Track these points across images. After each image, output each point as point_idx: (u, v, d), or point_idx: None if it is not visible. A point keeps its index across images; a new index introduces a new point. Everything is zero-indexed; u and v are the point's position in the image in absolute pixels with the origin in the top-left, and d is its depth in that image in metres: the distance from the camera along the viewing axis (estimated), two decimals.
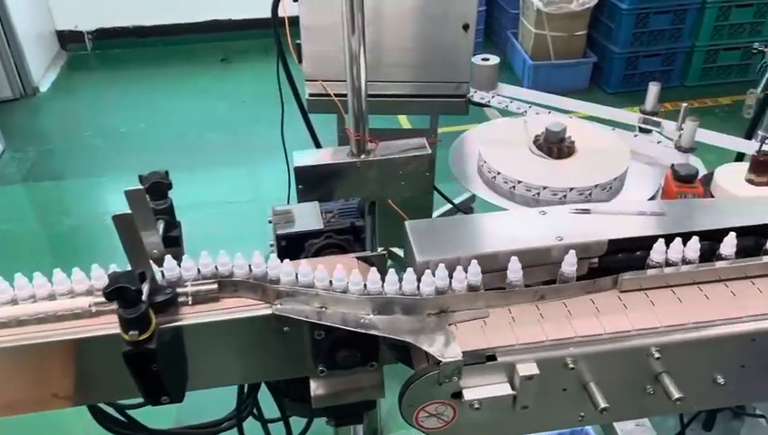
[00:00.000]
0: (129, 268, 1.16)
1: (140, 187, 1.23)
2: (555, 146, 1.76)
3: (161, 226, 1.36)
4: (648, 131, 1.88)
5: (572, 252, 1.24)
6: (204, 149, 5.02)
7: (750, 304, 1.23)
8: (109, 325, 1.18)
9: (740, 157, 2.30)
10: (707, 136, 1.72)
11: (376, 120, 3.32)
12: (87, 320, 1.21)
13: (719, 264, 1.28)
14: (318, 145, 2.97)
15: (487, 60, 2.25)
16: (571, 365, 1.17)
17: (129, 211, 1.13)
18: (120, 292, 1.05)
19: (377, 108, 2.76)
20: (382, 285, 1.21)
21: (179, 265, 1.24)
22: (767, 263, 1.28)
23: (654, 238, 1.30)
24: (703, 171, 1.73)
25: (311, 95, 2.79)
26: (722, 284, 1.27)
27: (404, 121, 4.86)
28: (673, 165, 1.56)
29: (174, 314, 1.22)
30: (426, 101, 2.68)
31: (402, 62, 2.67)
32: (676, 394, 1.18)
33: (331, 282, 1.22)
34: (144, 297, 1.11)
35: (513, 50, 5.95)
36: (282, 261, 1.37)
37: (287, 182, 1.97)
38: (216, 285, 1.24)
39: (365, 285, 1.21)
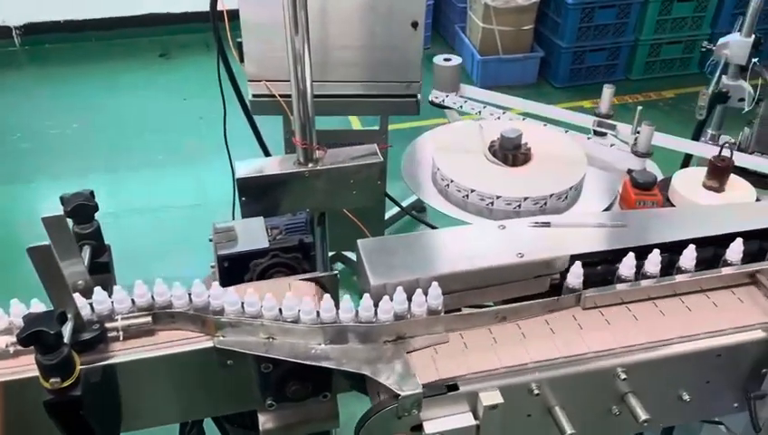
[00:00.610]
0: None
1: (60, 213, 1.10)
2: (511, 153, 1.70)
3: (87, 252, 1.24)
4: (603, 134, 1.84)
5: (578, 263, 1.18)
6: (143, 150, 4.79)
7: (722, 316, 1.20)
8: (30, 367, 1.05)
9: (688, 157, 2.30)
10: (664, 140, 1.69)
11: (325, 121, 3.22)
12: (6, 362, 1.09)
13: (679, 277, 1.24)
14: (264, 148, 2.85)
15: (449, 60, 2.17)
16: (536, 391, 1.11)
17: (47, 242, 1.00)
18: (36, 336, 0.93)
19: (325, 109, 2.66)
20: (337, 313, 1.12)
21: (110, 297, 1.12)
22: (726, 275, 1.25)
23: (616, 252, 1.25)
24: (659, 176, 1.71)
25: (254, 96, 2.67)
26: (678, 298, 1.24)
27: (355, 122, 4.75)
28: (631, 172, 1.52)
29: (103, 352, 1.10)
30: (375, 101, 2.59)
31: (351, 61, 2.58)
32: (642, 416, 1.13)
33: (280, 310, 1.12)
34: (66, 339, 0.99)
35: (461, 44, 5.91)
36: (225, 284, 1.27)
37: (233, 187, 1.86)
38: (149, 318, 1.13)
39: (318, 313, 1.12)
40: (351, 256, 3.26)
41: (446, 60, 2.12)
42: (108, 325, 1.11)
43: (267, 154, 2.83)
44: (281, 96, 2.51)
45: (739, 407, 1.27)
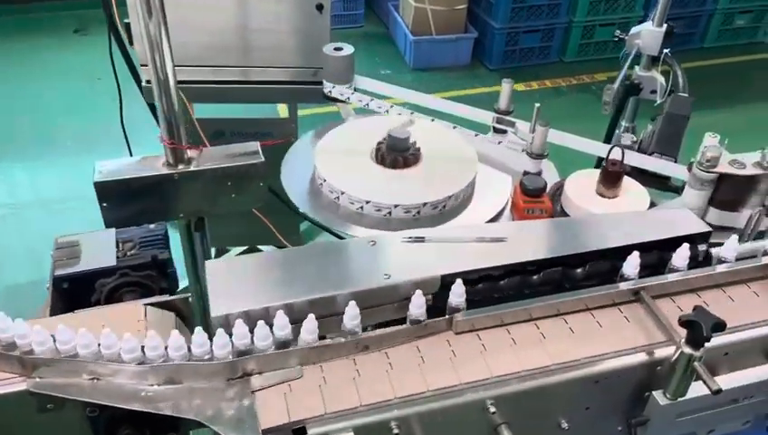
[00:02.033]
0: None
1: None
2: (399, 155, 1.56)
3: None
4: (504, 132, 1.73)
5: (419, 292, 1.06)
6: (57, 135, 4.47)
7: (605, 339, 1.11)
8: None
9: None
10: (561, 139, 1.58)
11: (253, 109, 3.02)
12: None
13: (553, 300, 1.14)
14: None
15: (340, 49, 2.00)
16: (396, 430, 1.00)
17: None
18: None
19: (226, 96, 2.48)
20: (166, 349, 0.98)
21: None
22: (610, 293, 1.17)
23: (492, 270, 1.15)
24: (555, 178, 1.61)
25: (148, 82, 2.45)
26: (561, 319, 1.14)
27: (283, 110, 4.53)
28: (522, 178, 1.41)
29: None
30: (281, 88, 2.41)
31: (255, 45, 2.39)
32: None
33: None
34: None
35: (395, 23, 5.74)
36: (64, 309, 1.11)
37: None
38: None
39: (143, 349, 0.97)
40: (266, 248, 3.10)
41: (336, 49, 1.96)
42: None
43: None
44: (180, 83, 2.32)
45: (622, 432, 1.19)
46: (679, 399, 1.10)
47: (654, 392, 1.12)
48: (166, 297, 1.16)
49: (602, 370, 1.09)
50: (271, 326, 1.02)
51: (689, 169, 1.40)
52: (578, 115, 5.21)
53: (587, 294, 1.15)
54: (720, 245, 1.38)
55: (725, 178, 1.34)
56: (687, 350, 1.04)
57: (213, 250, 3.20)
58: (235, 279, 1.08)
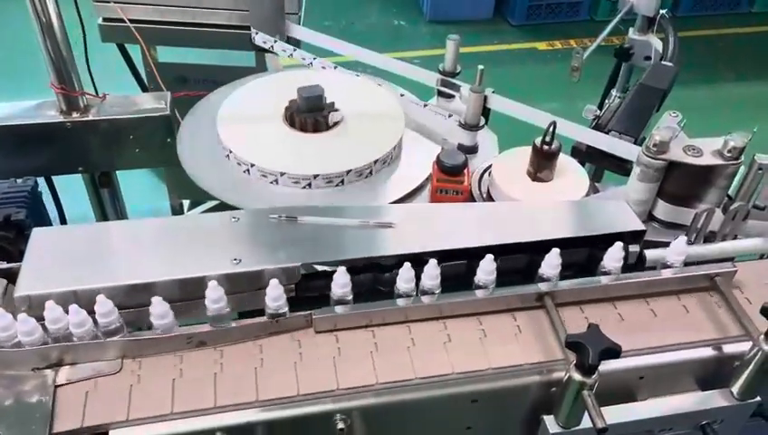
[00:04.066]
0: None
1: None
2: (312, 116, 1.35)
3: None
4: (450, 96, 1.52)
5: (274, 281, 0.90)
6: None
7: (474, 354, 0.94)
8: None
9: None
10: (502, 105, 1.34)
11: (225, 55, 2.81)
12: None
13: (432, 300, 0.97)
14: (139, 80, 2.51)
15: None
16: None
17: None
18: None
19: (173, 39, 2.28)
20: None
21: None
22: (506, 297, 0.99)
23: (362, 261, 0.99)
24: (495, 152, 1.41)
25: (104, 20, 2.29)
26: (441, 323, 0.97)
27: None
28: (439, 152, 1.21)
29: None
30: (213, 32, 2.21)
31: None
32: None
33: None
34: None
35: None
36: None
37: None
38: None
39: None
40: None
41: None
42: None
43: (143, 88, 2.50)
44: (133, 22, 2.16)
45: None
46: (573, 428, 0.94)
47: (545, 417, 0.95)
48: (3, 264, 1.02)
49: (480, 389, 0.93)
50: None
51: None
52: (601, 79, 4.89)
53: (474, 296, 0.98)
54: (666, 245, 1.19)
55: (676, 167, 1.13)
56: (576, 376, 0.87)
57: (186, 203, 3.08)
58: (59, 253, 0.94)
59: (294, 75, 1.61)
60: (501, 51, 5.07)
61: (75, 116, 1.39)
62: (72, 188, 1.74)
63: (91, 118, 1.40)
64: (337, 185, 1.33)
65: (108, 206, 1.60)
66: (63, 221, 1.72)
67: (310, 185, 1.32)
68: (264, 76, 1.63)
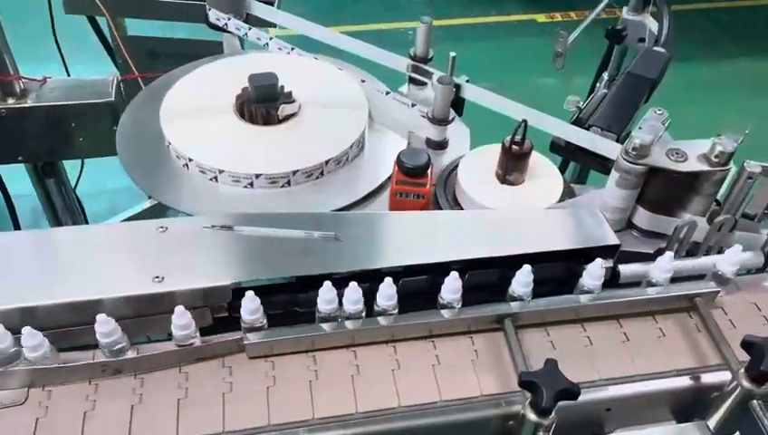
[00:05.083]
0: None
1: None
2: (261, 108, 1.22)
3: None
4: (423, 84, 1.39)
5: (180, 309, 0.81)
6: None
7: (423, 384, 0.85)
8: None
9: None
10: (476, 94, 1.21)
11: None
12: None
13: (381, 322, 0.88)
14: (110, 51, 2.38)
15: None
16: None
17: None
18: None
19: (113, 8, 2.15)
20: None
21: None
22: (464, 319, 0.89)
23: (303, 281, 0.89)
24: (466, 148, 1.29)
25: None
26: (390, 347, 0.88)
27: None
28: (401, 152, 1.09)
29: None
30: (171, 2, 2.08)
31: None
32: None
33: None
34: None
35: None
36: None
37: None
38: None
39: None
40: None
41: None
42: None
43: (114, 60, 2.38)
44: None
45: None
46: None
47: None
48: None
49: (429, 423, 0.84)
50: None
51: None
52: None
53: (427, 318, 0.88)
54: (646, 256, 1.09)
55: (658, 173, 1.02)
56: (532, 416, 0.78)
57: None
58: None
59: (259, 58, 1.49)
60: (498, 22, 4.91)
61: (11, 102, 1.28)
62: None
63: (28, 104, 1.29)
64: (282, 186, 1.18)
65: (55, 196, 1.50)
66: (11, 210, 1.63)
67: (252, 184, 1.18)
68: (223, 58, 1.51)
